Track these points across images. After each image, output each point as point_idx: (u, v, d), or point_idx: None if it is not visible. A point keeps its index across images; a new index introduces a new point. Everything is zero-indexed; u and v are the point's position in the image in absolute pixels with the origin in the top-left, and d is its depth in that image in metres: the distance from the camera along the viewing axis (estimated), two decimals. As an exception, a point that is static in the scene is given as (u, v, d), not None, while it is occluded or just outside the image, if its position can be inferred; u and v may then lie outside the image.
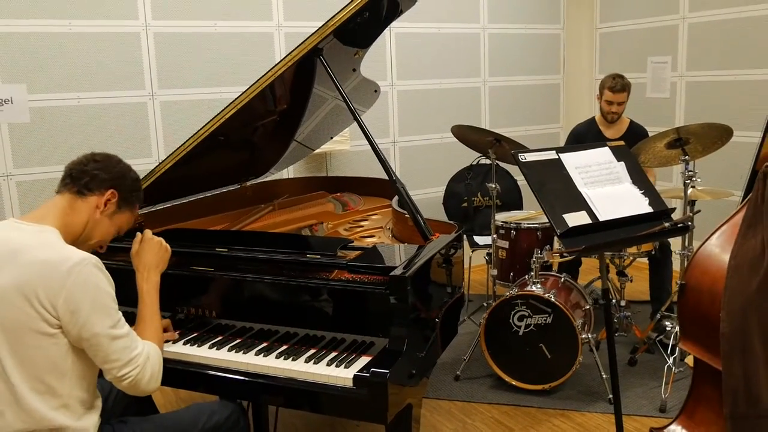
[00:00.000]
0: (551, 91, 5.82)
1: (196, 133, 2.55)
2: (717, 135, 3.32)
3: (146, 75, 4.09)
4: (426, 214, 2.51)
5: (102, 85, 3.97)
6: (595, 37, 5.79)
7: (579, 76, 5.87)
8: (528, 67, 5.65)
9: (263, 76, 2.45)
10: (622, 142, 2.52)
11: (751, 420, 1.58)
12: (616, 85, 4.01)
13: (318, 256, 2.20)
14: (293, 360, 2.01)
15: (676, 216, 2.44)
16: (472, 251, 4.39)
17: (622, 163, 2.43)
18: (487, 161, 3.81)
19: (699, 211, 3.32)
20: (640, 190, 2.37)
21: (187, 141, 2.57)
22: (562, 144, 5.27)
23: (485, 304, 4.06)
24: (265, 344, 2.12)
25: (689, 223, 3.15)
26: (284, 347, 2.09)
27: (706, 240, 1.75)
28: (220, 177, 3.17)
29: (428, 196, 5.10)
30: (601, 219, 2.20)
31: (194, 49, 4.20)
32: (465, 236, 4.44)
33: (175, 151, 2.59)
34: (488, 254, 3.94)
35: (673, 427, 1.83)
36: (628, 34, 5.47)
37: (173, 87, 4.17)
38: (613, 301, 4.01)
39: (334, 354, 2.02)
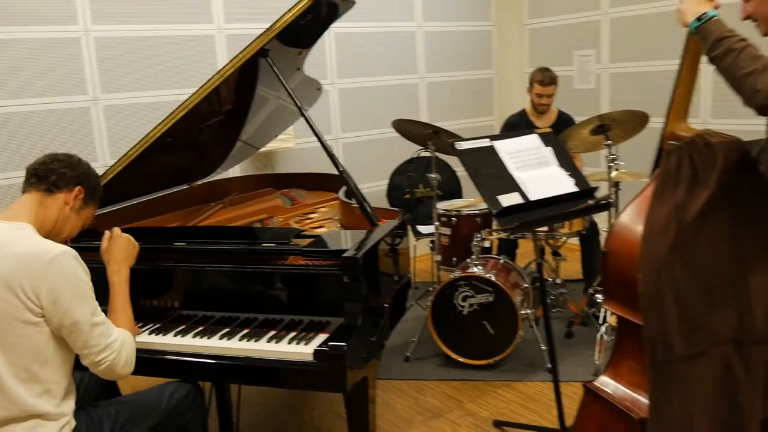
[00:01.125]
0: (485, 85, 6.07)
1: (147, 135, 2.63)
2: (636, 121, 3.61)
3: (88, 80, 4.13)
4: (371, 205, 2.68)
5: (44, 91, 3.99)
6: (523, 33, 6.07)
7: (510, 70, 6.14)
8: (462, 62, 5.89)
9: (212, 77, 2.56)
10: (549, 129, 2.75)
11: (668, 364, 1.80)
12: (545, 79, 4.27)
13: (273, 245, 2.34)
14: (256, 341, 2.15)
15: (601, 195, 2.68)
16: (417, 240, 4.58)
17: (550, 148, 2.66)
18: (427, 154, 4.00)
19: (619, 189, 3.60)
20: (567, 172, 2.60)
21: (137, 144, 2.64)
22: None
23: (431, 289, 4.25)
24: (227, 329, 2.25)
25: (611, 200, 3.41)
26: (246, 330, 2.23)
27: (622, 211, 1.97)
28: (170, 177, 3.25)
29: (372, 189, 5.26)
30: (531, 199, 2.42)
31: (136, 53, 4.25)
32: (409, 226, 4.65)
33: (125, 154, 2.66)
34: (432, 242, 4.13)
35: (602, 378, 2.05)
36: (555, 29, 5.77)
37: (116, 91, 4.22)
38: (550, 279, 4.28)
39: (293, 334, 2.17)
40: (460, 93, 5.89)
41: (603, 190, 3.65)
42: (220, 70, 2.55)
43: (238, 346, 2.14)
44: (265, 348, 2.11)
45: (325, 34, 3.04)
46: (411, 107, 5.57)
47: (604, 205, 2.65)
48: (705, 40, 1.72)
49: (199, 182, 3.51)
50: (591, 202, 2.58)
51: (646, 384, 1.84)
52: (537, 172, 2.55)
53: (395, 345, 3.86)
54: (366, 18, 5.20)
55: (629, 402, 1.94)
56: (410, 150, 4.45)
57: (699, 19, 1.74)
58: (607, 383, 2.02)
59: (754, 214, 1.80)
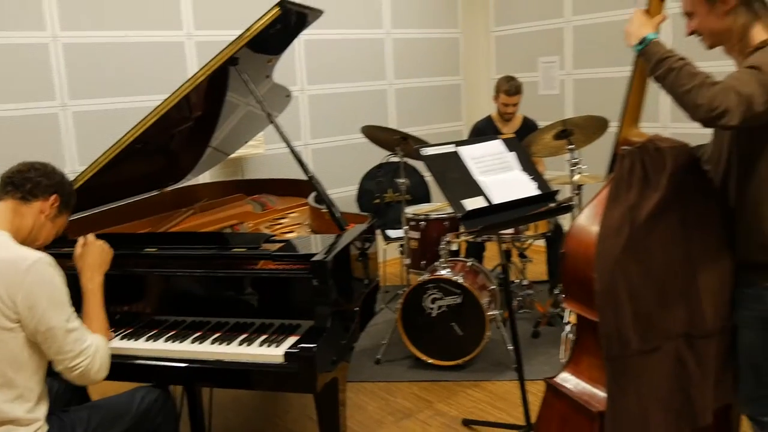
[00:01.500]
0: (452, 91, 6.17)
1: (117, 142, 2.66)
2: (596, 126, 3.72)
3: (56, 86, 4.12)
4: (341, 210, 2.74)
5: (11, 97, 3.97)
6: (490, 40, 6.18)
7: (477, 77, 6.25)
8: (430, 69, 5.98)
9: (182, 85, 2.60)
10: (513, 135, 2.84)
11: (624, 359, 1.89)
12: (511, 89, 4.38)
13: (244, 250, 2.38)
14: (227, 344, 2.19)
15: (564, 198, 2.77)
16: (386, 244, 4.64)
17: (513, 153, 2.74)
18: (396, 159, 4.07)
19: (582, 192, 3.71)
20: (529, 176, 2.69)
21: (107, 150, 2.67)
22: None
23: (400, 292, 4.31)
24: (198, 333, 2.29)
25: (572, 203, 3.51)
26: (217, 334, 2.27)
27: (580, 214, 2.06)
28: (140, 184, 3.27)
29: (342, 194, 5.31)
30: (495, 202, 2.50)
31: (105, 59, 4.26)
32: (379, 231, 4.71)
33: (95, 160, 2.68)
34: (401, 246, 4.20)
35: (563, 374, 2.13)
36: (520, 36, 5.89)
37: (85, 97, 4.22)
38: (517, 281, 4.37)
39: (264, 336, 2.22)
40: (428, 99, 5.98)
41: (566, 193, 3.76)
42: (190, 78, 2.59)
43: (209, 349, 2.18)
44: (236, 351, 2.15)
45: (295, 40, 3.09)
46: (380, 113, 5.65)
47: (566, 208, 2.74)
48: (648, 62, 1.82)
49: (170, 188, 3.54)
50: (552, 204, 2.67)
51: (605, 379, 1.93)
52: (500, 176, 2.63)
53: (366, 348, 3.92)
54: (335, 25, 5.26)
55: (588, 396, 2.02)
56: (379, 155, 4.52)
57: (641, 42, 1.84)
58: (567, 379, 2.10)
59: (703, 215, 1.90)
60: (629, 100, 2.02)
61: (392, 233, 4.58)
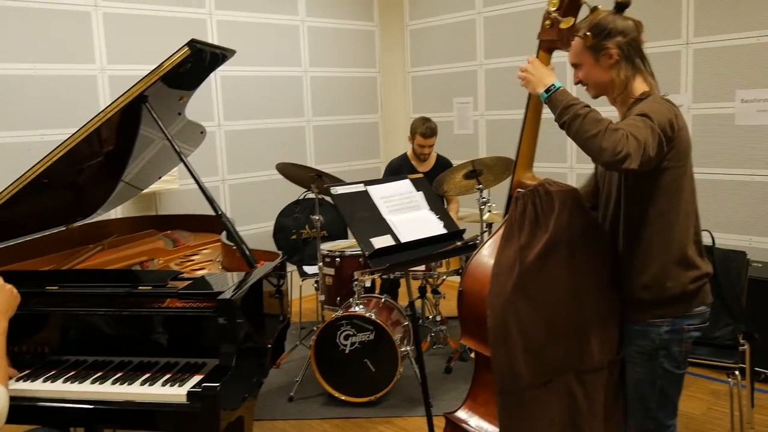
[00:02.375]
0: (371, 128, 6.30)
1: (20, 177, 2.60)
2: (504, 166, 3.88)
3: (-40, 118, 3.98)
4: (257, 247, 2.75)
5: None
6: (407, 80, 6.36)
7: (395, 115, 6.40)
8: (349, 107, 6.09)
9: (89, 121, 2.57)
10: (421, 175, 2.93)
11: (516, 393, 1.97)
12: (427, 132, 4.52)
13: (149, 287, 2.36)
14: (129, 384, 2.15)
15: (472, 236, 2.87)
16: (302, 281, 4.66)
17: (421, 192, 2.83)
18: (313, 195, 4.12)
19: (488, 231, 3.84)
20: (437, 215, 2.78)
21: (11, 184, 2.61)
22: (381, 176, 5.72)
23: (315, 329, 4.33)
24: (99, 373, 2.23)
25: (477, 242, 3.63)
26: (119, 374, 2.22)
27: (476, 253, 2.15)
28: (46, 219, 3.18)
29: (259, 230, 5.31)
30: (402, 241, 2.57)
31: (13, 92, 4.15)
32: (296, 267, 4.72)
33: (-1, 194, 2.62)
34: (316, 282, 4.22)
35: (461, 411, 2.20)
36: (436, 77, 6.09)
37: (-9, 130, 4.10)
38: (431, 316, 4.45)
39: (168, 376, 2.19)
40: (346, 136, 6.08)
41: (466, 230, 3.86)
42: (98, 114, 2.57)
43: (110, 390, 2.13)
44: (137, 391, 2.12)
45: (212, 76, 3.11)
46: (298, 149, 5.69)
47: (471, 246, 2.84)
48: (554, 108, 1.90)
49: (78, 224, 3.45)
50: (459, 243, 2.76)
51: (500, 413, 2.00)
52: (408, 215, 2.71)
53: (279, 385, 3.90)
54: (253, 62, 5.31)
55: (484, 431, 2.09)
56: (298, 191, 4.55)
57: (547, 90, 1.93)
58: (465, 414, 2.17)
59: (589, 255, 2.02)
60: (522, 145, 2.14)
61: (309, 269, 4.60)
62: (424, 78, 6.20)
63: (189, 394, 2.06)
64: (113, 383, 2.17)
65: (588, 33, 1.97)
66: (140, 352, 2.29)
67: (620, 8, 1.99)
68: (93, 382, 2.18)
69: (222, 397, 2.06)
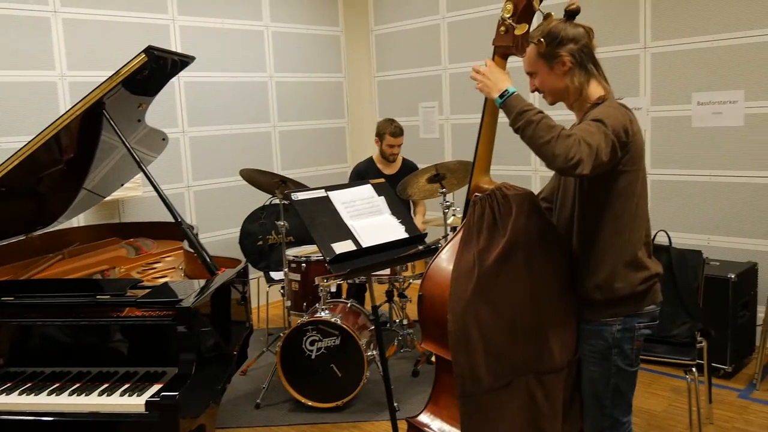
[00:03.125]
0: (337, 133, 6.30)
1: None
2: (467, 170, 3.90)
3: None
4: (223, 254, 2.74)
5: None
6: (373, 85, 6.38)
7: (362, 120, 6.42)
8: (315, 112, 6.09)
9: (46, 128, 2.55)
10: (382, 180, 2.94)
11: (477, 396, 1.98)
12: (396, 130, 4.54)
13: (108, 297, 2.34)
14: (86, 395, 2.13)
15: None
16: (269, 287, 4.64)
17: (383, 197, 2.84)
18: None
19: (446, 236, 3.87)
20: (398, 219, 2.80)
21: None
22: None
23: (282, 335, 4.31)
24: (56, 385, 2.21)
25: (439, 245, 3.66)
26: (77, 385, 2.20)
27: (435, 257, 2.16)
28: (3, 228, 3.14)
29: (225, 237, 5.28)
30: (364, 246, 2.58)
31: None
32: (262, 273, 4.70)
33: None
34: (282, 288, 4.21)
35: (422, 415, 2.21)
36: (402, 82, 6.12)
37: (-53, 138, 4.02)
38: (398, 320, 4.47)
39: (126, 386, 2.17)
40: (313, 141, 6.07)
41: (428, 233, 3.87)
42: (54, 121, 2.54)
43: (66, 401, 2.11)
44: (95, 402, 2.10)
45: (175, 82, 3.10)
46: (264, 155, 5.67)
47: (433, 250, 2.86)
48: (509, 114, 1.91)
49: (38, 233, 3.41)
50: (421, 247, 2.78)
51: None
52: (370, 220, 2.72)
53: (246, 392, 3.88)
54: (218, 68, 5.28)
55: (445, 434, 2.10)
56: (264, 197, 4.53)
57: (502, 95, 1.95)
58: (427, 418, 2.18)
59: (545, 257, 2.04)
60: (479, 149, 2.16)
61: (275, 275, 4.59)
62: (390, 83, 6.23)
63: (147, 403, 2.05)
64: (70, 394, 2.14)
65: (542, 39, 2.00)
66: (99, 362, 2.27)
67: (570, 16, 2.03)
68: (49, 394, 2.15)
69: (182, 406, 2.05)
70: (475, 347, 1.97)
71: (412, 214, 4.79)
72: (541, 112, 1.87)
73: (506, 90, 1.95)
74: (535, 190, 2.15)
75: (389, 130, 4.55)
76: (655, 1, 4.38)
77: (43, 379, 2.25)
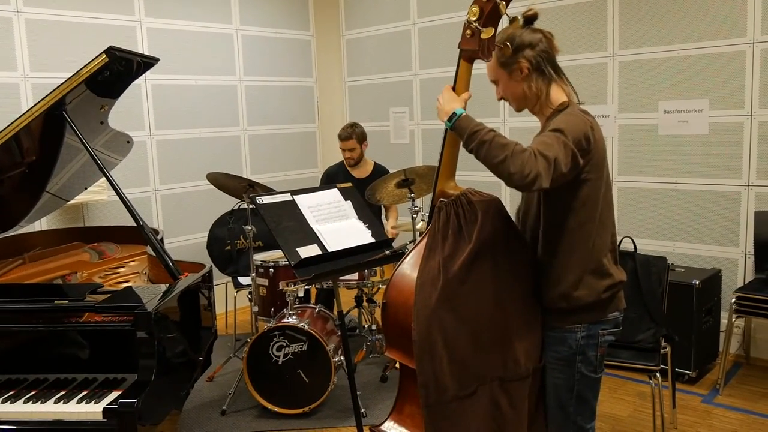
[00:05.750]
0: (308, 138, 6.27)
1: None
2: (436, 175, 3.91)
3: None
4: (191, 259, 2.69)
5: None
6: (344, 90, 6.36)
7: (332, 124, 6.38)
8: (286, 116, 6.05)
9: (3, 129, 2.49)
10: (349, 184, 2.92)
11: (442, 405, 1.96)
12: (342, 134, 4.58)
13: (66, 302, 2.29)
14: (42, 403, 2.08)
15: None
16: (237, 292, 4.59)
17: (349, 201, 2.82)
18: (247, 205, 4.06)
19: (414, 241, 3.86)
20: (365, 224, 2.78)
21: None
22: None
23: (249, 340, 4.26)
24: (12, 392, 2.15)
25: (406, 250, 3.66)
26: (33, 392, 2.14)
27: (399, 264, 2.14)
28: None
29: (193, 241, 5.22)
30: (330, 250, 2.55)
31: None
32: (230, 278, 4.65)
33: None
34: (250, 293, 4.16)
35: (387, 423, 2.19)
36: (372, 87, 6.11)
37: None
38: (367, 325, 4.44)
39: (84, 392, 2.12)
40: (283, 146, 6.03)
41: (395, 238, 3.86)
42: (9, 125, 2.49)
43: (21, 409, 2.06)
44: (51, 409, 2.05)
45: (142, 85, 3.05)
46: (233, 159, 5.62)
47: (399, 255, 2.84)
48: (460, 136, 1.89)
49: (-3, 237, 3.33)
50: (387, 252, 2.76)
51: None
52: (336, 224, 2.70)
53: (212, 399, 3.82)
54: (185, 70, 5.22)
55: (410, 442, 2.08)
56: (232, 202, 4.49)
57: (450, 118, 1.92)
58: (390, 427, 2.15)
59: (511, 265, 2.03)
60: (444, 155, 2.14)
61: (243, 280, 4.54)
62: (361, 87, 6.22)
63: (105, 411, 2.00)
64: (25, 402, 2.09)
65: (507, 43, 2.00)
66: (57, 368, 2.22)
67: (528, 21, 2.03)
68: (4, 402, 2.09)
69: (141, 413, 2.01)
70: (440, 356, 1.94)
71: (384, 219, 4.78)
72: (492, 130, 1.84)
73: (454, 113, 1.92)
74: (502, 197, 2.14)
75: (338, 134, 4.58)
76: (623, 10, 4.43)
77: (-3, 387, 2.19)
